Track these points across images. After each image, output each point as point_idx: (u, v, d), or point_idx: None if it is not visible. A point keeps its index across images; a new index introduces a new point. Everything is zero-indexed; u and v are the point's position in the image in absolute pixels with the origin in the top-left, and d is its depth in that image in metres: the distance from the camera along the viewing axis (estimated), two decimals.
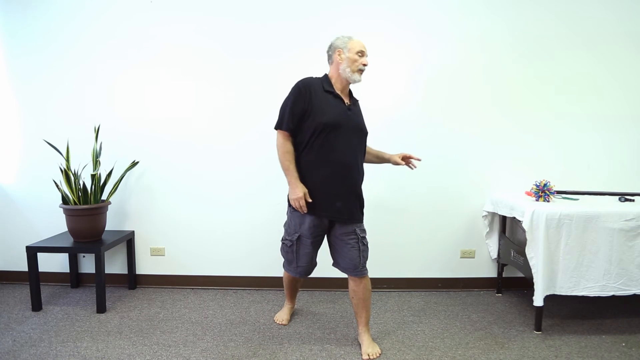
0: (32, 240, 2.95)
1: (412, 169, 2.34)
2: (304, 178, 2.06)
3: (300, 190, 2.02)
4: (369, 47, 2.79)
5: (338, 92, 2.11)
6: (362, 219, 2.16)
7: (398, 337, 2.32)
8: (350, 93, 2.21)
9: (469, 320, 2.53)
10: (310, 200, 2.04)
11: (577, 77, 2.83)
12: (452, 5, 2.80)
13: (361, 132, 2.15)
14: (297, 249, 2.17)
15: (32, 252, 2.62)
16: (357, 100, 2.25)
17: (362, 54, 2.10)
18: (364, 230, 2.15)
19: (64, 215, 2.72)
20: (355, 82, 2.12)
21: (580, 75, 2.83)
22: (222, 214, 2.99)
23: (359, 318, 2.20)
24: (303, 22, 2.83)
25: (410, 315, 2.61)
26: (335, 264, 2.20)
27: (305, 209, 2.04)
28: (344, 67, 2.08)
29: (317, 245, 2.20)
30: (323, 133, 2.01)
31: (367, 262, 2.16)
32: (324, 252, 2.33)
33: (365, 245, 2.14)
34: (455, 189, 2.93)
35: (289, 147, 2.08)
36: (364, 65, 2.10)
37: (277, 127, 2.10)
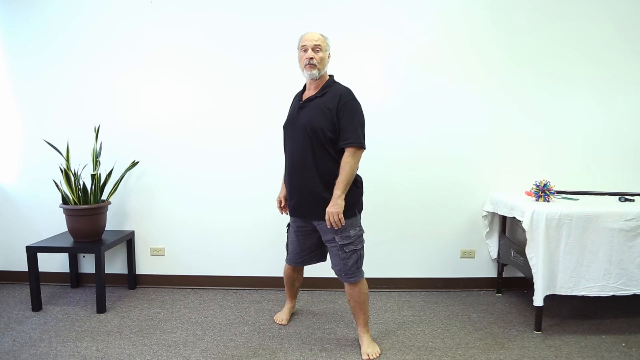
0: (32, 240, 2.95)
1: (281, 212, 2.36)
2: None
3: (279, 194, 2.35)
4: (372, 42, 2.83)
5: (308, 91, 2.15)
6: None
7: (398, 337, 2.32)
8: (323, 87, 2.09)
9: (469, 320, 2.53)
10: (282, 205, 2.34)
11: (576, 77, 2.83)
12: (456, 9, 2.80)
13: (307, 129, 2.03)
14: (288, 235, 2.37)
15: (32, 252, 2.62)
16: (325, 94, 2.07)
17: (304, 48, 2.06)
18: (347, 237, 2.06)
19: (64, 215, 2.72)
20: (309, 78, 2.10)
21: (579, 75, 2.83)
22: (222, 214, 2.99)
23: (357, 319, 2.20)
24: (305, 22, 2.82)
25: (410, 315, 2.61)
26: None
27: (280, 210, 2.36)
28: (300, 66, 2.12)
29: (301, 238, 2.27)
30: (284, 136, 2.21)
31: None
32: None
33: (348, 252, 2.07)
34: (455, 189, 2.93)
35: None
36: (307, 59, 2.04)
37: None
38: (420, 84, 2.86)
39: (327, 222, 2.00)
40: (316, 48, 2.06)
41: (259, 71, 2.88)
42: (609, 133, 2.87)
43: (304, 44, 2.08)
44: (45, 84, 2.96)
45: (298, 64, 2.14)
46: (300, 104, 2.13)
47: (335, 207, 1.98)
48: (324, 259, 2.39)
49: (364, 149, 2.05)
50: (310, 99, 2.10)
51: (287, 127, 2.19)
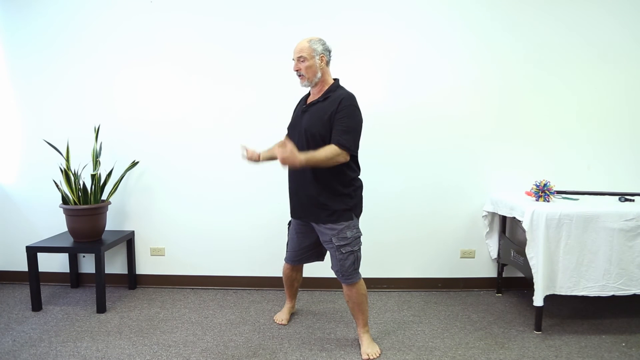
0: (32, 240, 2.94)
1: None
2: None
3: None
4: (377, 45, 2.83)
5: (312, 95, 2.16)
6: (329, 221, 2.06)
7: (398, 337, 2.33)
8: (326, 92, 2.08)
9: (469, 320, 2.53)
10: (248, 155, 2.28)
11: (577, 77, 2.83)
12: (452, 11, 2.80)
13: (307, 133, 2.04)
14: (288, 232, 2.38)
15: (32, 252, 2.62)
16: (327, 98, 2.05)
17: (294, 60, 2.10)
18: (344, 239, 2.05)
19: (64, 215, 2.72)
20: (303, 87, 2.14)
21: (580, 76, 2.83)
22: (222, 214, 2.99)
23: (357, 320, 2.20)
24: (306, 22, 2.82)
25: (410, 315, 2.61)
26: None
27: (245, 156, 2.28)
28: None
29: (300, 236, 2.28)
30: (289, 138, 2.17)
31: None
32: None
33: (345, 254, 2.07)
34: (455, 189, 2.92)
35: None
36: (295, 71, 2.09)
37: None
38: (420, 86, 2.85)
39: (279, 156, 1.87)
40: (300, 59, 2.06)
41: (261, 71, 2.87)
42: (609, 133, 2.86)
43: (293, 55, 2.11)
44: (45, 84, 2.96)
45: None
46: (303, 108, 2.14)
47: (291, 156, 1.85)
48: (321, 259, 2.40)
49: (350, 153, 2.00)
50: (312, 104, 2.11)
51: (289, 129, 2.22)
